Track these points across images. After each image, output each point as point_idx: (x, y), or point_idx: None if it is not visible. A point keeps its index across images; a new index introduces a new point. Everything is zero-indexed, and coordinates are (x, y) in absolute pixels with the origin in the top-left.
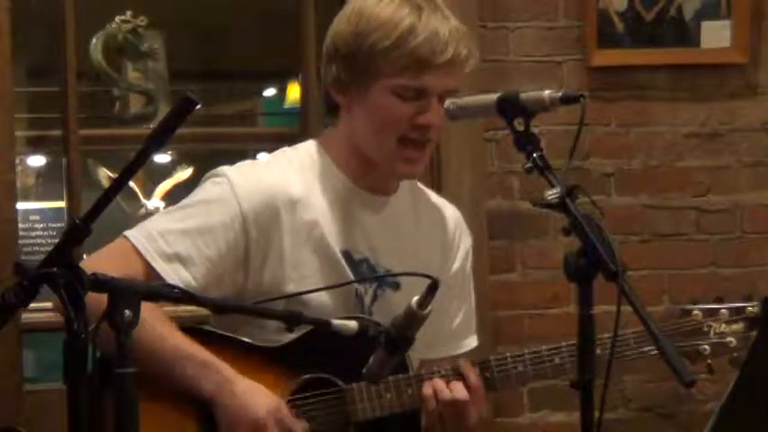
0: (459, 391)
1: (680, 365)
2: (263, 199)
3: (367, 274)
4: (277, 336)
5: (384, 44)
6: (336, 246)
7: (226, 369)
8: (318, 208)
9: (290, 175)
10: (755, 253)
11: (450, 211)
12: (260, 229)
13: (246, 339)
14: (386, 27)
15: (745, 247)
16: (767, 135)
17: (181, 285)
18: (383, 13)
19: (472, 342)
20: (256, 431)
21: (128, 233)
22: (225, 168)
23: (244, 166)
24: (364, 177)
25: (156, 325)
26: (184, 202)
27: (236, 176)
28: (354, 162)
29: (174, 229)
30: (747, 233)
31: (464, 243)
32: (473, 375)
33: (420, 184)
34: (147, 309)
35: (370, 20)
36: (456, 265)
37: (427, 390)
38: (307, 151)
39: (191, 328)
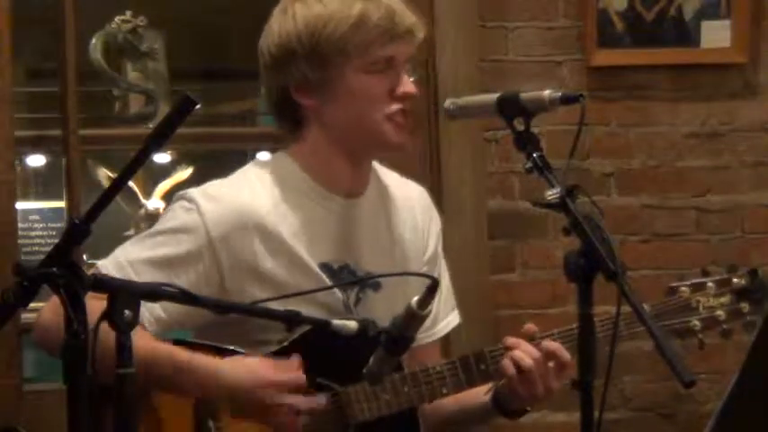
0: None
1: (680, 365)
2: (234, 225)
3: (349, 279)
4: (263, 348)
5: (344, 28)
6: (313, 260)
7: (202, 364)
8: (292, 225)
9: (260, 194)
10: (756, 253)
11: (416, 194)
12: (231, 255)
13: (238, 349)
14: (339, 15)
15: (746, 247)
16: (767, 135)
17: (149, 318)
18: (330, 5)
19: (454, 320)
20: (262, 411)
21: (99, 263)
22: (194, 193)
23: (212, 188)
24: (339, 181)
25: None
26: (155, 228)
27: (205, 203)
28: (330, 165)
29: (144, 259)
30: (747, 233)
31: (434, 225)
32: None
33: (383, 169)
34: None
35: (319, 14)
36: (429, 249)
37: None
38: (277, 164)
39: (178, 341)
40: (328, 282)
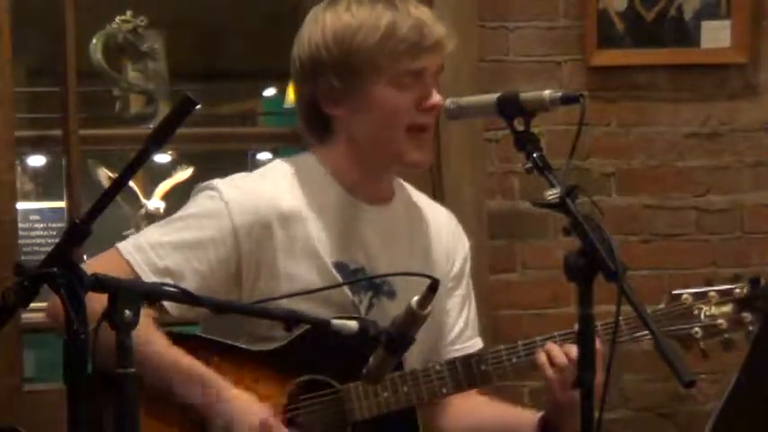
0: (574, 351)
1: (680, 365)
2: (256, 214)
3: (363, 283)
4: (265, 344)
5: (373, 40)
6: (329, 257)
7: (218, 380)
8: (312, 221)
9: (284, 188)
10: (756, 253)
11: (444, 217)
12: (252, 244)
13: (239, 344)
14: (368, 25)
15: (746, 247)
16: (767, 135)
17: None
18: (358, 15)
19: (477, 344)
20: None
21: (119, 245)
22: (218, 181)
23: (237, 179)
24: (363, 187)
25: (150, 339)
26: (177, 214)
27: (229, 190)
28: (355, 172)
29: (165, 242)
30: (748, 233)
31: (461, 247)
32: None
33: (412, 189)
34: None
35: (348, 25)
36: (456, 267)
37: (540, 357)
38: (302, 163)
39: (183, 335)
40: (341, 280)
